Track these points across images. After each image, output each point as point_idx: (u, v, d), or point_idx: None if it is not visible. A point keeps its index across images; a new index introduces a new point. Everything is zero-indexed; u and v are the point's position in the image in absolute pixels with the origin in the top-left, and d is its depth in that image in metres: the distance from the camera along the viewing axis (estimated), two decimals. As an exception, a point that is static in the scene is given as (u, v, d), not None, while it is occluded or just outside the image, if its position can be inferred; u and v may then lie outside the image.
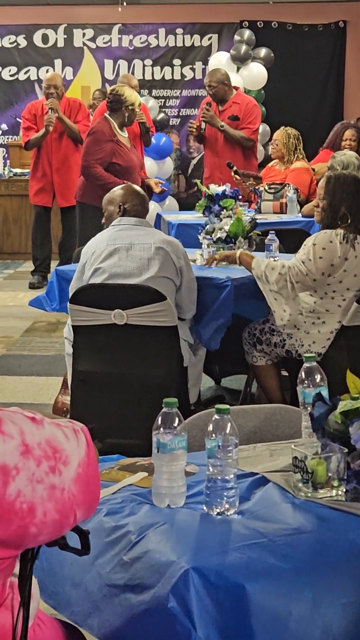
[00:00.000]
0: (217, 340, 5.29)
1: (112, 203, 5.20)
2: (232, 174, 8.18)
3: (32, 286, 10.30)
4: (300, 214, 7.88)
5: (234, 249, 5.73)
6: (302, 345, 5.06)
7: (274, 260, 5.25)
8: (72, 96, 10.74)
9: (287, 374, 5.52)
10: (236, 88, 9.24)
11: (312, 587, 2.10)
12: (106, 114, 7.97)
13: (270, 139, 12.71)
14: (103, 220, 5.31)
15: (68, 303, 4.98)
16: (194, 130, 8.97)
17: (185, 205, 11.61)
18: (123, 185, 5.39)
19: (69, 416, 5.11)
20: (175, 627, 2.03)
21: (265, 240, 6.00)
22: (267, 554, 2.14)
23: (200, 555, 2.12)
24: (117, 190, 5.23)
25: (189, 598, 2.04)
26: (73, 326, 5.00)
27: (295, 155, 8.58)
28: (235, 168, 8.18)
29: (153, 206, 11.15)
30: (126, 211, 5.13)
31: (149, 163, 11.15)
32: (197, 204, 6.63)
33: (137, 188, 5.29)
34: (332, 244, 4.94)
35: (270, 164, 8.89)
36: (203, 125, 8.98)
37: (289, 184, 8.18)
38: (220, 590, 2.05)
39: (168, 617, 2.04)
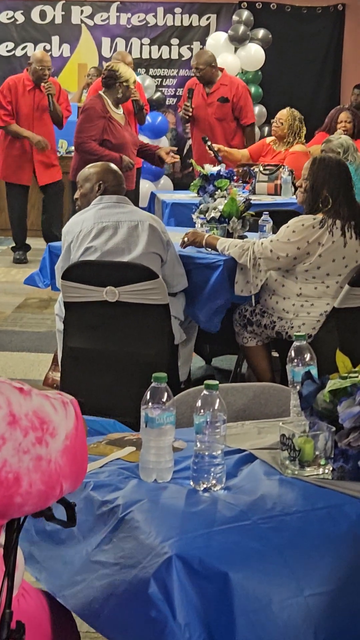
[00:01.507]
0: (217, 323, 5.30)
1: (89, 180, 5.17)
2: (207, 149, 8.17)
3: (20, 261, 10.33)
4: (294, 196, 7.86)
5: (228, 229, 5.75)
6: (292, 327, 5.07)
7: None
8: (69, 74, 10.69)
9: (277, 355, 5.53)
10: (221, 69, 9.21)
11: (295, 574, 2.10)
12: (101, 92, 7.96)
13: (267, 121, 12.74)
14: (76, 196, 5.29)
15: (60, 279, 4.97)
16: (190, 114, 8.94)
17: (180, 185, 11.58)
18: (100, 162, 5.37)
19: (58, 392, 5.10)
20: (153, 612, 2.02)
21: (259, 221, 6.00)
22: (251, 538, 2.15)
23: (185, 539, 2.11)
24: (92, 167, 5.21)
25: (170, 584, 2.04)
26: (65, 302, 4.99)
27: (296, 139, 8.55)
28: (209, 143, 8.14)
29: (147, 185, 11.15)
30: (106, 189, 5.11)
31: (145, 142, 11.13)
32: (192, 183, 6.61)
33: (113, 166, 5.28)
34: (302, 228, 4.96)
35: (267, 141, 8.82)
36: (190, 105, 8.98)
37: (284, 166, 8.17)
38: (203, 577, 2.05)
39: (147, 602, 2.04)
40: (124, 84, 7.80)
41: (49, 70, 9.87)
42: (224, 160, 8.03)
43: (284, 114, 8.60)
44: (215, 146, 8.20)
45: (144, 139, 10.51)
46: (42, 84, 9.71)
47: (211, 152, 8.08)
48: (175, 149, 8.25)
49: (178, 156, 8.13)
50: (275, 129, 8.64)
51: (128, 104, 9.17)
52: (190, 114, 8.95)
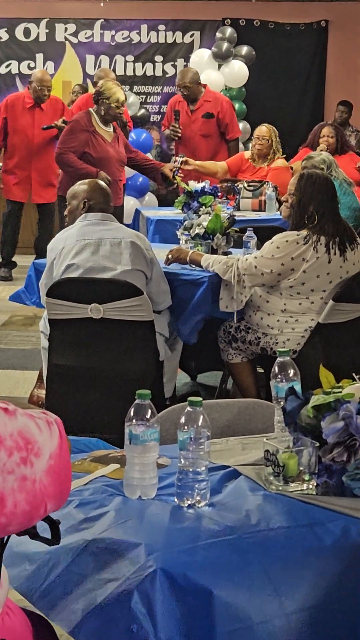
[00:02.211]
0: (194, 335, 5.33)
1: (76, 198, 5.18)
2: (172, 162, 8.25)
3: (5, 279, 10.34)
4: (279, 212, 7.89)
5: (212, 245, 5.76)
6: (277, 343, 5.08)
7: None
8: (53, 91, 10.68)
9: (262, 371, 5.54)
10: (204, 86, 9.25)
11: (278, 591, 2.09)
12: (92, 108, 8.01)
13: (251, 137, 12.78)
14: (65, 213, 5.31)
15: (44, 296, 4.98)
16: (179, 135, 8.94)
17: (165, 201, 11.60)
18: (88, 180, 5.38)
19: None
20: (135, 626, 2.02)
21: (244, 237, 6.02)
22: (235, 553, 2.15)
23: (170, 554, 2.11)
24: (81, 185, 5.22)
25: (154, 598, 2.03)
26: (49, 320, 4.99)
27: (276, 154, 8.59)
28: (179, 158, 8.19)
29: (132, 202, 11.17)
30: (91, 207, 5.12)
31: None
32: (176, 200, 6.63)
33: (102, 184, 5.29)
34: (286, 244, 4.98)
35: (245, 156, 8.84)
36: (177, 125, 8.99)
37: (268, 182, 8.19)
38: (187, 593, 2.05)
39: (129, 615, 2.03)
40: (106, 101, 7.83)
41: (48, 91, 9.88)
42: (200, 174, 8.04)
43: (266, 131, 8.64)
44: (183, 160, 8.20)
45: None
46: (55, 122, 9.70)
47: (174, 167, 8.07)
48: (179, 166, 8.21)
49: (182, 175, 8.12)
50: (260, 147, 8.65)
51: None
52: (179, 136, 8.97)
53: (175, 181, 7.84)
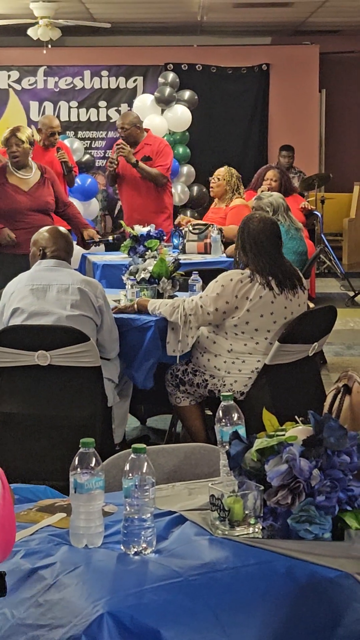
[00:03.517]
0: (151, 379, 5.34)
1: (35, 244, 5.22)
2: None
3: None
4: (224, 254, 7.95)
5: (158, 289, 5.79)
6: (225, 385, 5.11)
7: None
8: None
9: (210, 414, 5.55)
10: (147, 130, 9.31)
11: (227, 632, 2.10)
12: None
13: (195, 180, 12.89)
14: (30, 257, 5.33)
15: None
16: (115, 166, 8.96)
17: (112, 246, 11.62)
18: (49, 227, 5.39)
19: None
20: None
21: (189, 281, 6.05)
22: (183, 595, 2.15)
23: (116, 598, 2.11)
24: (42, 232, 5.24)
25: None
26: (-4, 367, 4.98)
27: (235, 194, 8.66)
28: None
29: (79, 247, 11.16)
30: (45, 255, 5.15)
31: (75, 204, 11.13)
32: (122, 244, 6.67)
33: (62, 231, 5.30)
34: (230, 282, 5.03)
35: (212, 205, 8.94)
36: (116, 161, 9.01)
37: (213, 225, 8.25)
38: (134, 635, 2.05)
39: None
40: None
41: (58, 134, 9.79)
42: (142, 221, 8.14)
43: (221, 171, 8.74)
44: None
45: (73, 201, 10.53)
46: (55, 154, 9.56)
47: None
48: (98, 237, 8.19)
49: (98, 238, 8.10)
50: (213, 186, 8.76)
51: (57, 166, 9.20)
52: (115, 167, 8.96)
53: (92, 242, 7.87)
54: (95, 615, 2.06)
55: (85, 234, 7.88)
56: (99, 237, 8.17)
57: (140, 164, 8.80)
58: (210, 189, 8.93)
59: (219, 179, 8.71)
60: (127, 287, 5.85)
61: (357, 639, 2.22)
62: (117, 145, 9.03)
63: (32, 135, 7.84)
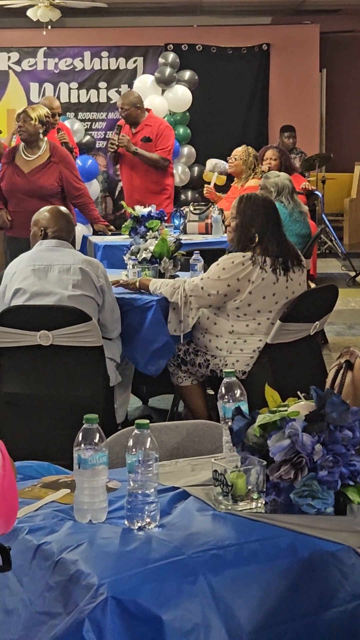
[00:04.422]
0: (158, 365, 5.33)
1: (37, 224, 5.21)
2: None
3: None
4: (225, 234, 7.94)
5: (159, 269, 5.80)
6: (226, 365, 5.11)
7: None
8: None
9: (212, 393, 5.56)
10: (148, 110, 9.28)
11: (227, 615, 2.11)
12: None
13: (196, 161, 12.87)
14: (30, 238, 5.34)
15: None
16: (116, 147, 8.94)
17: (113, 227, 11.62)
18: (50, 207, 5.38)
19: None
20: None
21: (190, 261, 6.05)
22: (185, 575, 2.16)
23: (120, 580, 2.12)
24: (43, 212, 5.24)
25: (104, 626, 2.05)
26: (-1, 348, 5.00)
27: (252, 175, 8.61)
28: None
29: (80, 228, 11.16)
30: (47, 235, 5.14)
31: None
32: (124, 225, 6.66)
33: (63, 211, 5.29)
34: (232, 265, 5.02)
35: (232, 184, 8.91)
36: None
37: (214, 205, 8.24)
38: (137, 620, 2.07)
39: None
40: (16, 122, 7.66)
41: (59, 116, 9.73)
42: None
43: (238, 151, 8.66)
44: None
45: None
46: (56, 135, 9.50)
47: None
48: (109, 232, 8.18)
49: (110, 233, 8.08)
50: (231, 165, 8.71)
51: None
52: (115, 148, 8.95)
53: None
54: (100, 598, 2.07)
55: (95, 227, 7.87)
56: (110, 232, 8.13)
57: (140, 151, 8.78)
58: (229, 168, 8.87)
59: (235, 158, 8.63)
60: (128, 267, 5.86)
61: (354, 610, 2.24)
62: (118, 126, 9.02)
63: (48, 117, 7.76)
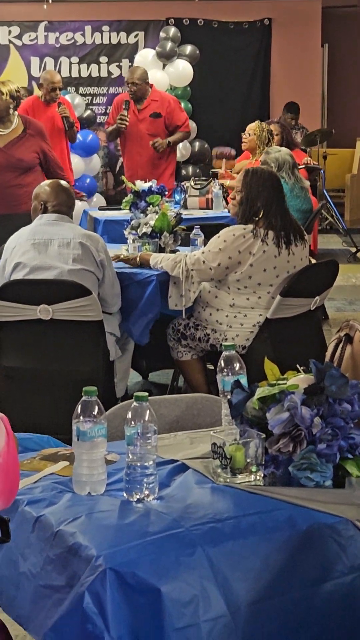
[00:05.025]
0: (147, 335, 5.35)
1: (37, 198, 5.20)
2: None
3: None
4: (225, 209, 7.93)
5: (160, 244, 5.79)
6: (226, 339, 5.11)
7: None
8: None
9: (212, 368, 5.56)
10: (151, 85, 9.26)
11: (225, 587, 2.12)
12: None
13: (197, 136, 12.83)
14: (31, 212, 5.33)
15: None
16: (127, 123, 8.91)
17: (113, 202, 11.60)
18: (50, 181, 5.37)
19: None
20: (89, 626, 2.04)
21: (191, 235, 6.05)
22: (184, 547, 2.16)
23: (118, 552, 2.13)
24: (44, 186, 5.23)
25: (104, 598, 2.06)
26: (-1, 322, 5.00)
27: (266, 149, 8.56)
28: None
29: (80, 203, 11.14)
30: (47, 209, 5.13)
31: (76, 160, 11.12)
32: (124, 200, 6.64)
33: (64, 185, 5.27)
34: (233, 237, 5.01)
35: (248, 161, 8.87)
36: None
37: (214, 180, 8.22)
38: (135, 591, 2.07)
39: (83, 616, 2.06)
40: None
41: (60, 90, 9.66)
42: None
43: (252, 126, 8.59)
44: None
45: (75, 157, 10.50)
46: (57, 110, 9.43)
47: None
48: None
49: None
50: (245, 141, 8.66)
51: (58, 121, 9.15)
52: (126, 124, 8.93)
53: None
54: (99, 570, 2.08)
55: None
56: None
57: (173, 139, 8.82)
58: (243, 144, 8.81)
59: (250, 134, 8.59)
60: (128, 241, 5.85)
61: (352, 582, 2.25)
62: (126, 102, 8.96)
63: (18, 92, 7.65)
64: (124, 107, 9.02)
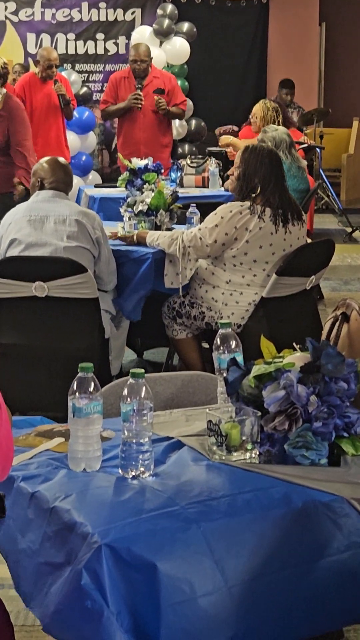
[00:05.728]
0: (138, 312, 5.36)
1: (34, 175, 5.18)
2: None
3: None
4: (222, 188, 7.91)
5: (155, 222, 5.78)
6: (222, 317, 5.11)
7: None
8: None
9: (207, 346, 5.56)
10: None
11: (220, 564, 2.12)
12: None
13: (194, 114, 12.79)
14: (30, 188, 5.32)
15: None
16: (140, 103, 8.88)
17: (109, 179, 11.56)
18: (48, 158, 5.34)
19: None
20: (89, 602, 2.05)
21: (187, 213, 6.04)
22: (179, 524, 2.17)
23: (113, 528, 2.13)
24: (41, 163, 5.21)
25: (101, 574, 2.06)
26: (-6, 299, 4.99)
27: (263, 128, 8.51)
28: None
29: (76, 180, 11.12)
30: (44, 186, 5.11)
31: (72, 137, 11.08)
32: (120, 177, 6.62)
33: (62, 162, 5.25)
34: (230, 214, 5.00)
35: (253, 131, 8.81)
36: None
37: (211, 158, 8.20)
38: (131, 567, 2.07)
39: (82, 593, 2.07)
40: None
41: (56, 67, 9.61)
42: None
43: (256, 108, 8.52)
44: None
45: (71, 134, 10.46)
46: (53, 87, 9.36)
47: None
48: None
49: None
50: (253, 125, 8.59)
51: (55, 98, 9.12)
52: (141, 103, 8.89)
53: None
54: (94, 547, 2.08)
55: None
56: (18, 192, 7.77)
57: (172, 109, 8.84)
58: (252, 127, 8.75)
59: (256, 117, 8.51)
60: (124, 219, 5.84)
61: (347, 560, 2.25)
62: (139, 80, 8.92)
63: (5, 68, 7.54)
64: (137, 86, 8.96)
